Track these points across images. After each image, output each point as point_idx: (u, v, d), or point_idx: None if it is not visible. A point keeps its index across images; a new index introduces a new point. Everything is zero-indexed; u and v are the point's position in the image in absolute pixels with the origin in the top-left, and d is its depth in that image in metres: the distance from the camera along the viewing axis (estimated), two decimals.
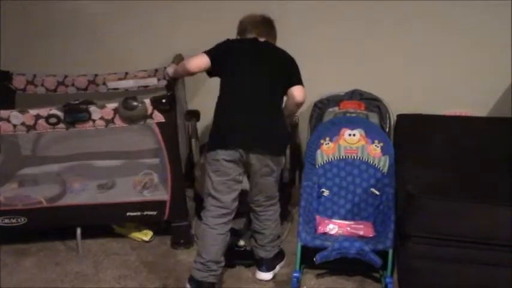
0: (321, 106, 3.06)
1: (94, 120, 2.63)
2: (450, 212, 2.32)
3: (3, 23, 3.30)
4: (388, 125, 2.99)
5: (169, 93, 2.69)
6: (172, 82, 2.86)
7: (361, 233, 2.61)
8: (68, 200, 2.91)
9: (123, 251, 2.87)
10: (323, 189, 2.79)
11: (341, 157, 2.80)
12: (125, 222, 2.94)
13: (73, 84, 3.25)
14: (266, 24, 2.63)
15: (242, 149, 2.39)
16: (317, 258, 2.43)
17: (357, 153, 2.79)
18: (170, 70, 2.84)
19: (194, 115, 3.12)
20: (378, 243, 2.48)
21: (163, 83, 3.20)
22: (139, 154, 3.30)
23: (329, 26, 3.15)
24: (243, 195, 2.53)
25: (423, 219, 2.36)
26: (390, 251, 2.47)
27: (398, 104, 3.07)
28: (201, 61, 2.54)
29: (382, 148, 2.77)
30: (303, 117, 3.11)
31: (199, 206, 2.77)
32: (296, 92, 2.50)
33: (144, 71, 3.25)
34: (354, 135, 2.80)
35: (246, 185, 2.56)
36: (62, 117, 2.60)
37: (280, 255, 2.68)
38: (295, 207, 3.05)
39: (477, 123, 3.02)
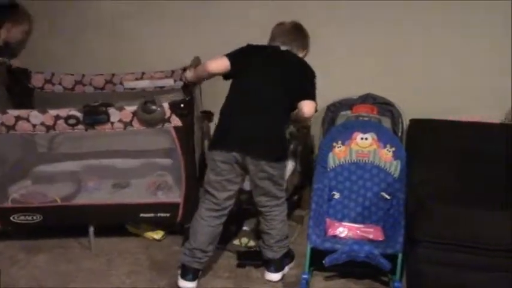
0: (333, 109, 3.09)
1: (112, 123, 2.67)
2: (460, 218, 2.32)
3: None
4: (400, 130, 3.01)
5: (187, 98, 2.71)
6: (191, 86, 2.88)
7: (370, 236, 2.62)
8: (83, 199, 2.95)
9: (134, 250, 2.90)
10: (334, 192, 2.80)
11: (353, 160, 2.81)
12: (138, 223, 2.97)
13: (90, 84, 3.29)
14: (293, 33, 2.65)
15: (238, 153, 2.44)
16: (326, 261, 2.45)
17: (369, 157, 2.80)
18: (189, 74, 2.85)
19: (207, 116, 3.15)
20: (387, 247, 2.49)
21: (180, 84, 3.24)
22: (153, 153, 3.33)
23: (342, 28, 3.19)
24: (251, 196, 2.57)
25: (433, 225, 2.35)
26: (399, 255, 2.47)
27: (411, 109, 3.08)
28: (221, 63, 2.59)
29: (394, 153, 2.78)
30: (315, 120, 3.12)
31: None
32: (305, 107, 2.51)
33: (161, 71, 3.29)
34: (366, 139, 2.81)
35: (247, 185, 2.61)
36: (81, 119, 2.64)
37: (288, 256, 2.69)
38: (306, 209, 3.07)
39: (489, 129, 3.01)
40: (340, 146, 2.82)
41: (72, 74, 3.30)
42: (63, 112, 2.64)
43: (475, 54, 3.12)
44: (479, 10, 3.03)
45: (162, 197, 2.96)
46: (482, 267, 2.32)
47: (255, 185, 2.53)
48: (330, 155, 2.82)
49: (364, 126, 2.85)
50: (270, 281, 2.64)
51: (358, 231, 2.65)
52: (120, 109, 2.67)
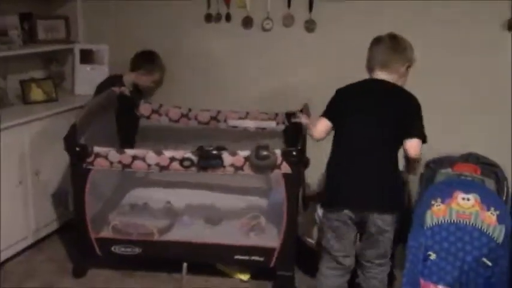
0: (433, 166, 2.99)
1: (224, 167, 2.74)
2: None
3: None
4: (505, 194, 2.87)
5: (299, 147, 2.75)
6: (299, 133, 2.93)
7: None
8: (178, 233, 3.02)
9: (221, 287, 2.94)
10: (430, 252, 2.70)
11: (452, 221, 2.70)
12: (232, 264, 2.98)
13: (196, 118, 3.42)
14: (390, 50, 2.45)
15: (350, 210, 2.42)
16: None
17: (470, 219, 2.67)
18: (304, 121, 2.84)
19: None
20: None
21: (282, 127, 3.34)
22: (248, 191, 3.38)
23: (447, 83, 3.11)
24: None
25: None
26: None
27: None
28: (323, 126, 2.53)
29: (498, 216, 2.64)
30: (413, 177, 3.02)
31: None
32: (409, 146, 2.37)
33: (265, 113, 3.37)
34: (468, 199, 2.70)
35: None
36: (196, 162, 2.72)
37: None
38: (397, 267, 2.97)
39: None
40: (440, 205, 2.72)
41: (179, 107, 3.45)
42: (179, 154, 2.74)
43: None
44: None
45: (255, 238, 2.98)
46: None
47: (365, 238, 2.49)
48: (428, 212, 2.72)
49: (467, 186, 2.73)
50: None
51: None
52: (233, 154, 2.73)
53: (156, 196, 3.38)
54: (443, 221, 2.71)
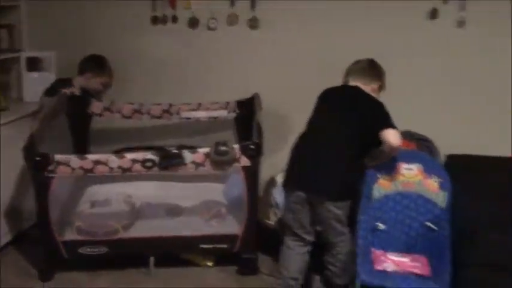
0: None
1: (185, 164, 2.83)
2: (504, 244, 2.49)
3: None
4: None
5: (256, 141, 2.88)
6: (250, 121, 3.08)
7: (417, 271, 2.70)
8: (142, 228, 3.10)
9: (189, 274, 3.06)
10: (378, 223, 2.88)
11: (398, 191, 2.89)
12: (198, 253, 3.11)
13: (148, 113, 3.49)
14: (364, 69, 2.77)
15: (305, 193, 2.61)
16: None
17: (414, 188, 2.87)
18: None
19: None
20: (434, 285, 2.59)
21: (233, 115, 3.44)
22: (204, 177, 3.48)
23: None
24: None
25: (478, 250, 2.53)
26: None
27: (447, 145, 3.20)
28: None
29: (440, 183, 2.84)
30: None
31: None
32: (389, 136, 2.55)
33: (216, 103, 3.48)
34: (411, 169, 2.89)
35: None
36: (157, 162, 2.80)
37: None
38: None
39: None
40: (385, 177, 2.90)
41: (131, 103, 3.49)
42: (140, 156, 2.81)
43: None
44: None
45: (217, 226, 3.13)
46: None
47: (321, 223, 2.68)
48: (375, 186, 2.90)
49: (409, 157, 2.91)
50: None
51: (405, 266, 2.72)
52: (193, 151, 2.83)
53: (115, 191, 3.43)
54: (389, 192, 2.90)
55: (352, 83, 2.77)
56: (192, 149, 2.89)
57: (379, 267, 2.73)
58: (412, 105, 3.25)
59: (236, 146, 2.85)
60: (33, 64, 3.69)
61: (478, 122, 3.29)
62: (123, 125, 3.63)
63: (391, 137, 2.54)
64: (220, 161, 2.82)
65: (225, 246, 3.00)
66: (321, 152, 2.63)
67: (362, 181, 2.85)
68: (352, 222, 2.80)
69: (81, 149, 3.43)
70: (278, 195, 3.27)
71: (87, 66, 3.47)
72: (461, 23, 3.18)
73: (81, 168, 2.80)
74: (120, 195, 3.41)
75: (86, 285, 2.98)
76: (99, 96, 3.59)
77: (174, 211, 3.32)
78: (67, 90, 3.35)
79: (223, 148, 2.80)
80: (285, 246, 2.74)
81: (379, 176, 2.90)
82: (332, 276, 2.80)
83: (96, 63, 3.48)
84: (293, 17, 3.39)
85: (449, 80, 3.29)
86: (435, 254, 2.75)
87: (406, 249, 2.85)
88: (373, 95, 2.77)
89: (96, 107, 3.50)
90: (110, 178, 3.45)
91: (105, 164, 2.80)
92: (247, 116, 3.44)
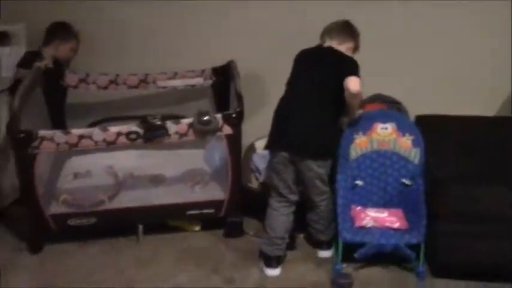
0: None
1: (169, 135, 2.88)
2: (471, 194, 2.69)
3: None
4: None
5: (238, 109, 2.94)
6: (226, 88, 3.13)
7: (395, 225, 2.86)
8: (127, 198, 3.15)
9: (177, 239, 3.16)
10: (357, 181, 3.03)
11: (374, 149, 3.03)
12: (186, 220, 3.19)
13: (124, 83, 3.48)
14: (339, 29, 2.85)
15: (288, 154, 2.71)
16: (357, 255, 2.74)
17: (389, 146, 3.01)
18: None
19: None
20: (411, 238, 2.76)
21: (209, 82, 3.48)
22: (184, 144, 3.47)
23: None
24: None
25: (449, 201, 2.70)
26: (422, 245, 2.75)
27: (415, 107, 3.33)
28: None
29: (413, 141, 2.99)
30: None
31: None
32: (349, 82, 2.61)
33: (192, 71, 3.50)
34: (386, 128, 3.02)
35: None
36: (142, 134, 2.83)
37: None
38: None
39: (484, 122, 3.29)
40: (361, 137, 3.02)
41: (106, 74, 3.47)
42: (124, 129, 2.83)
43: (474, 52, 3.38)
44: (485, 10, 3.28)
45: (201, 192, 3.22)
46: (491, 236, 2.69)
47: (304, 183, 2.80)
48: (352, 146, 3.02)
49: (384, 116, 3.04)
50: (325, 258, 2.96)
51: (383, 222, 2.88)
52: (177, 122, 2.87)
53: (96, 162, 3.45)
54: (366, 151, 3.04)
55: (328, 43, 2.84)
56: (174, 118, 2.93)
57: (359, 224, 2.88)
58: (381, 68, 3.35)
59: (219, 115, 2.91)
60: (3, 38, 3.62)
61: (445, 84, 3.44)
62: (99, 98, 3.63)
63: (351, 83, 2.60)
64: (203, 130, 2.88)
65: (211, 211, 3.09)
66: (301, 113, 2.73)
67: (339, 142, 2.95)
68: (331, 181, 2.93)
69: (58, 123, 3.43)
70: (258, 160, 3.38)
71: (53, 34, 3.41)
72: None
73: (66, 143, 2.82)
74: (101, 167, 3.43)
75: (76, 254, 3.03)
76: (67, 64, 3.54)
77: (157, 180, 3.38)
78: (41, 64, 3.32)
79: (206, 118, 2.86)
80: (271, 208, 2.86)
81: (355, 136, 3.02)
82: (315, 233, 2.95)
83: (62, 30, 3.42)
84: None
85: (417, 42, 3.41)
86: (411, 207, 2.92)
87: (383, 204, 3.02)
88: (347, 54, 2.85)
89: (71, 79, 3.46)
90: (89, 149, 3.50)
91: (89, 137, 2.82)
92: (223, 83, 3.50)
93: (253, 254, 2.98)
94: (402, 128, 3.01)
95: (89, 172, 3.45)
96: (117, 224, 3.12)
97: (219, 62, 3.49)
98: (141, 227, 3.09)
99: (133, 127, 2.84)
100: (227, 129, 2.93)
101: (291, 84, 2.85)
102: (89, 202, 3.07)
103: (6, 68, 3.53)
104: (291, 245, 2.97)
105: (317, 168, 2.74)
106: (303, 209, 2.95)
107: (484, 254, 2.69)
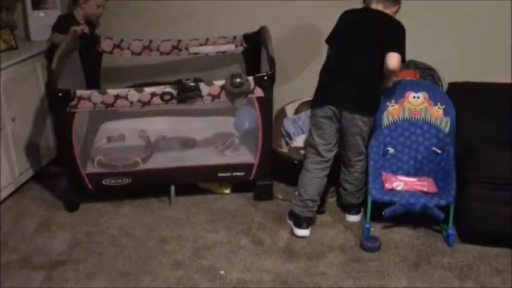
0: None
1: (202, 96, 2.92)
2: (501, 160, 2.69)
3: None
4: None
5: (270, 72, 2.96)
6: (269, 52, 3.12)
7: (425, 189, 2.88)
8: (159, 160, 3.22)
9: (208, 201, 3.23)
10: (388, 148, 3.06)
11: (405, 118, 3.06)
12: (217, 181, 3.25)
13: (158, 49, 3.53)
14: None
15: (335, 107, 2.76)
16: (386, 212, 2.77)
17: (421, 115, 3.04)
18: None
19: None
20: (440, 199, 2.78)
21: (240, 49, 3.51)
22: (213, 111, 3.59)
23: None
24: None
25: (479, 167, 2.72)
26: (452, 206, 2.77)
27: (450, 74, 3.32)
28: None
29: (444, 110, 3.02)
30: None
31: None
32: (389, 58, 2.70)
33: (224, 37, 3.53)
34: (418, 97, 3.05)
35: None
36: (176, 95, 2.89)
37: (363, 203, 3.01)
38: None
39: None
40: (394, 105, 3.06)
41: (140, 40, 3.53)
42: (159, 89, 2.88)
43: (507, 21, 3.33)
44: None
45: (232, 156, 3.27)
46: None
47: (346, 140, 2.85)
48: (385, 113, 3.06)
49: (416, 86, 3.07)
50: (352, 222, 3.01)
51: (413, 185, 2.91)
52: (210, 84, 2.92)
53: (129, 127, 3.54)
54: (398, 119, 3.06)
55: (374, 6, 2.83)
56: (207, 82, 2.97)
57: (389, 186, 2.91)
58: (416, 35, 3.27)
59: (250, 78, 2.94)
60: (38, 2, 3.68)
61: (478, 51, 3.41)
62: (133, 62, 3.69)
63: (391, 59, 2.70)
64: (235, 92, 2.92)
65: (241, 174, 3.15)
66: (350, 70, 2.79)
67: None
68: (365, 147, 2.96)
69: (93, 87, 3.48)
70: (288, 125, 3.42)
71: None
72: None
73: (103, 103, 2.88)
74: (134, 131, 3.51)
75: (110, 214, 3.13)
76: (97, 21, 3.60)
77: (188, 143, 3.44)
78: (78, 28, 3.39)
79: (238, 80, 2.90)
80: (305, 170, 2.90)
81: (388, 104, 3.05)
82: (347, 194, 2.99)
83: None
84: None
85: (451, 11, 3.37)
86: (440, 175, 2.94)
87: (414, 172, 3.04)
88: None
89: (106, 44, 3.53)
90: (123, 114, 3.56)
91: (125, 98, 2.89)
92: (254, 49, 3.53)
93: (282, 217, 3.04)
94: (434, 98, 3.04)
95: (122, 136, 3.53)
96: (150, 185, 3.20)
97: (250, 29, 3.51)
98: (173, 188, 3.16)
99: (167, 88, 2.89)
100: (259, 92, 2.97)
101: (337, 42, 2.88)
102: (123, 163, 3.14)
103: (40, 32, 3.61)
104: (319, 209, 3.01)
105: (362, 124, 2.80)
106: (335, 174, 2.99)
107: None
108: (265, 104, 3.01)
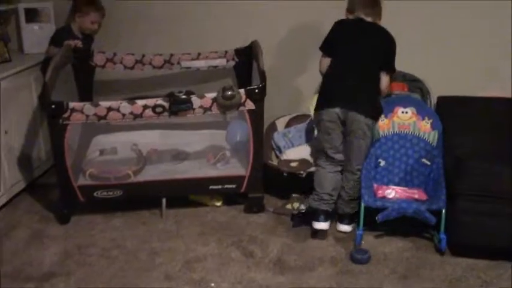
0: None
1: (194, 109, 2.96)
2: (490, 173, 2.72)
3: None
4: (429, 104, 3.32)
5: (261, 85, 3.00)
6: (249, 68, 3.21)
7: (415, 196, 2.93)
8: (151, 173, 3.24)
9: (199, 214, 3.24)
10: (380, 160, 3.11)
11: (395, 132, 3.12)
12: (208, 194, 3.27)
13: (150, 63, 3.57)
14: (372, 3, 2.98)
15: (340, 109, 2.86)
16: (379, 217, 2.80)
17: (409, 129, 3.11)
18: None
19: None
20: (432, 204, 2.82)
21: (232, 63, 3.55)
22: (205, 125, 3.64)
23: None
24: None
25: (468, 180, 2.74)
26: (443, 211, 2.80)
27: (437, 85, 3.37)
28: (325, 63, 3.04)
29: (431, 124, 3.09)
30: None
31: None
32: (382, 81, 2.98)
33: (215, 52, 3.57)
34: (407, 112, 3.12)
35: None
36: (167, 107, 2.92)
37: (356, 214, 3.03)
38: None
39: (503, 103, 3.30)
40: (384, 119, 3.11)
41: (133, 54, 3.56)
42: (151, 102, 2.91)
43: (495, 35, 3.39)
44: None
45: (223, 169, 3.30)
46: (509, 215, 2.70)
47: (350, 143, 2.92)
48: (376, 127, 3.08)
49: (405, 101, 3.15)
50: (343, 232, 3.03)
51: (404, 193, 2.97)
52: (201, 96, 2.95)
53: (121, 140, 3.57)
54: (388, 133, 3.13)
55: (363, 15, 2.95)
56: (199, 94, 3.00)
57: (381, 195, 2.96)
58: (404, 46, 3.34)
59: (242, 90, 2.98)
60: (32, 15, 3.72)
61: (467, 64, 3.46)
62: (125, 77, 3.73)
63: (383, 83, 2.98)
64: (227, 105, 2.96)
65: (233, 186, 3.17)
66: (353, 76, 2.91)
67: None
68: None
69: (85, 99, 3.50)
70: (278, 139, 3.46)
71: (73, 8, 3.53)
72: None
73: (95, 115, 2.91)
74: (126, 144, 3.53)
75: (101, 226, 3.13)
76: (92, 37, 3.64)
77: (180, 156, 3.46)
78: (71, 43, 3.42)
79: (229, 92, 2.93)
80: (319, 167, 3.01)
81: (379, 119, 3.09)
82: (342, 203, 3.02)
83: (80, 4, 3.52)
84: None
85: (440, 22, 3.44)
86: (430, 186, 2.99)
87: (404, 183, 3.09)
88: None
89: (98, 59, 3.56)
90: (115, 127, 3.61)
91: (117, 110, 2.91)
92: (245, 64, 3.57)
93: (273, 230, 3.06)
94: (421, 112, 3.12)
95: (114, 149, 3.54)
96: (141, 197, 3.21)
97: (241, 43, 3.55)
98: (164, 201, 3.17)
99: (159, 100, 2.92)
100: (250, 105, 3.00)
101: (337, 51, 2.98)
102: (115, 175, 3.15)
103: (33, 45, 3.63)
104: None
105: (366, 128, 2.88)
106: None
107: (505, 233, 2.71)
108: (256, 116, 3.05)
